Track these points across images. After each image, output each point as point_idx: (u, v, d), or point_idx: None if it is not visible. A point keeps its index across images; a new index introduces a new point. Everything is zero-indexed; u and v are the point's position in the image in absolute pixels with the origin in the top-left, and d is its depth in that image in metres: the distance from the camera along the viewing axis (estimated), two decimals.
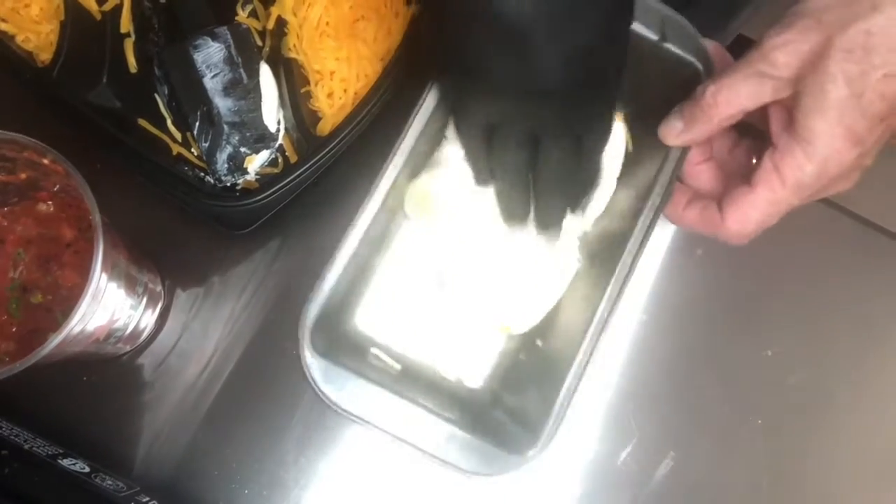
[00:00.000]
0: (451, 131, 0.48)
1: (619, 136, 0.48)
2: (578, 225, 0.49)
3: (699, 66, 0.45)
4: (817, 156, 0.38)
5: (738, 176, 0.43)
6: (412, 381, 0.47)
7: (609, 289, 0.43)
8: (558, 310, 0.48)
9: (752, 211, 0.40)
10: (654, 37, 0.44)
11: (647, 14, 0.44)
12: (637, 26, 0.44)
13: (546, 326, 0.48)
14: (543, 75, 0.38)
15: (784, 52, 0.37)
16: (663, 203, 0.44)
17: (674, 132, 0.43)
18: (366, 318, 0.49)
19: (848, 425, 0.53)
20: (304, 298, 0.43)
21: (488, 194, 0.46)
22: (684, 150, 0.44)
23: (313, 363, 0.42)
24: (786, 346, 0.54)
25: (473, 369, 0.49)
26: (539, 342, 0.49)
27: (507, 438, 0.43)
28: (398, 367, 0.48)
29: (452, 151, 0.48)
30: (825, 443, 0.53)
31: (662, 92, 0.45)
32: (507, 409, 0.47)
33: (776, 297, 0.54)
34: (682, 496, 0.52)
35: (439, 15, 0.40)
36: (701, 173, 0.45)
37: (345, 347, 0.46)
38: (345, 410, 0.42)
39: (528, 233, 0.47)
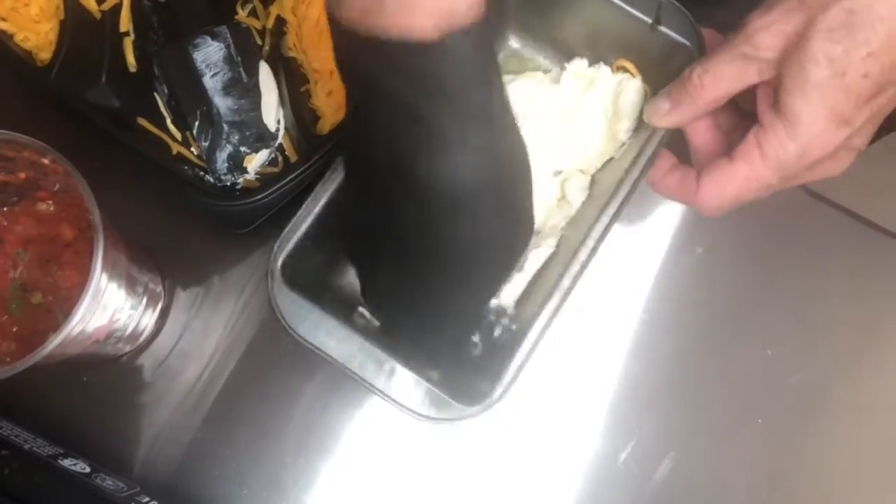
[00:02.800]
0: None
1: (635, 88, 0.48)
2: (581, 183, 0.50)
3: (693, 49, 0.45)
4: (800, 136, 0.37)
5: None
6: (392, 341, 0.48)
7: (578, 255, 0.44)
8: (535, 282, 0.49)
9: (729, 183, 0.41)
10: (647, 20, 0.46)
11: (643, 0, 0.46)
12: (632, 10, 0.46)
13: (523, 299, 0.49)
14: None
15: (767, 34, 0.37)
16: (642, 176, 0.45)
17: (659, 113, 0.43)
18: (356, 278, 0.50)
19: (848, 425, 0.53)
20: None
21: None
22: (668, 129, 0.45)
23: (281, 293, 0.43)
24: (786, 346, 0.54)
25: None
26: (515, 313, 0.49)
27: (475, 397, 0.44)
28: (377, 323, 0.49)
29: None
30: (825, 442, 0.53)
31: (656, 75, 0.46)
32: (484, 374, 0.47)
33: (776, 297, 0.54)
34: (682, 496, 0.52)
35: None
36: (708, 142, 0.45)
37: (332, 301, 0.47)
38: (300, 336, 0.43)
39: None
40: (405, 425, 0.51)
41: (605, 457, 0.52)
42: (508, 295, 0.49)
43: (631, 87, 0.48)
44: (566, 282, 0.44)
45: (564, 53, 0.51)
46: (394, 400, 0.43)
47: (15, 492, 0.43)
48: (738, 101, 0.43)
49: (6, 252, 0.46)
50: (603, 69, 0.49)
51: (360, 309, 0.49)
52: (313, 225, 0.45)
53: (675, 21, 0.46)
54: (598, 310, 0.53)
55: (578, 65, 0.50)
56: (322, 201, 0.45)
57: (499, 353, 0.46)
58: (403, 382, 0.43)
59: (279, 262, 0.44)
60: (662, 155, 0.46)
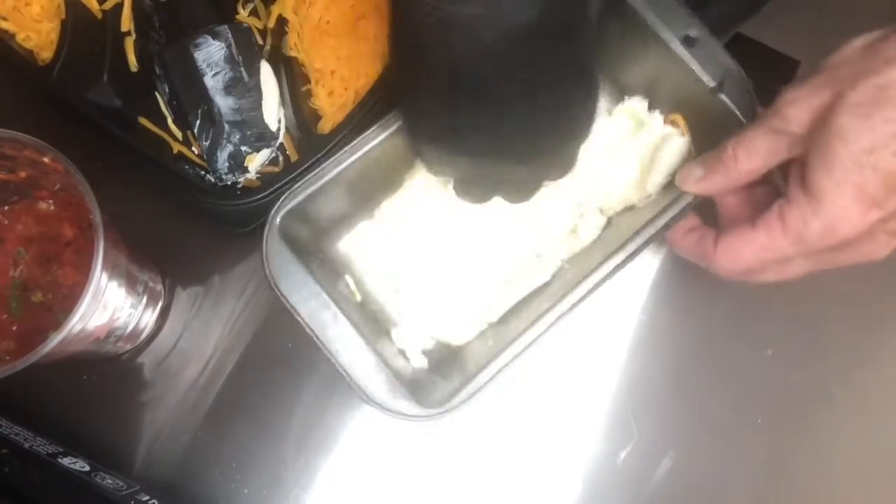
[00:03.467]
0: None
1: (679, 146, 0.48)
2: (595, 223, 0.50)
3: (746, 122, 0.45)
4: (824, 213, 0.36)
5: None
6: (370, 319, 0.48)
7: (573, 292, 0.44)
8: (521, 305, 0.49)
9: (746, 249, 0.40)
10: (711, 84, 0.45)
11: (712, 63, 0.45)
12: (699, 71, 0.45)
13: (507, 317, 0.49)
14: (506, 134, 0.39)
15: (795, 108, 0.37)
16: (656, 236, 0.45)
17: (691, 179, 0.43)
18: (351, 245, 0.50)
19: (848, 425, 0.53)
20: None
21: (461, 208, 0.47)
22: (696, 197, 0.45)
23: (273, 243, 0.43)
24: (786, 346, 0.54)
25: (420, 350, 0.48)
26: (496, 329, 0.49)
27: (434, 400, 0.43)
28: (359, 298, 0.49)
29: None
30: (825, 442, 0.53)
31: (706, 139, 0.46)
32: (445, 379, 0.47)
33: (776, 297, 0.54)
34: (682, 496, 0.52)
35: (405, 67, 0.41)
36: (740, 216, 0.44)
37: (320, 267, 0.47)
38: (280, 292, 0.43)
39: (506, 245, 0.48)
40: (404, 425, 0.51)
41: (605, 457, 0.52)
42: (494, 309, 0.49)
43: (676, 143, 0.47)
44: (551, 317, 0.44)
45: (619, 94, 0.51)
46: (353, 380, 0.42)
47: (14, 490, 0.43)
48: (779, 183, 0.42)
49: (7, 251, 0.47)
50: (656, 116, 0.49)
51: (347, 277, 0.49)
52: (323, 187, 0.45)
53: (737, 91, 0.45)
54: (597, 310, 0.53)
55: (637, 104, 0.49)
56: (338, 168, 0.44)
57: (470, 364, 0.46)
58: (368, 364, 0.43)
59: (280, 214, 0.44)
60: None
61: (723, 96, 0.45)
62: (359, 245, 0.50)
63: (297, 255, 0.44)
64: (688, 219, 0.45)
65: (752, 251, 0.40)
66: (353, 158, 0.45)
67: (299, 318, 0.43)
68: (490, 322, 0.49)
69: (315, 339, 0.43)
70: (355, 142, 0.45)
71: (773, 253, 0.39)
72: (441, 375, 0.46)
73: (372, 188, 0.49)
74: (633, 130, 0.49)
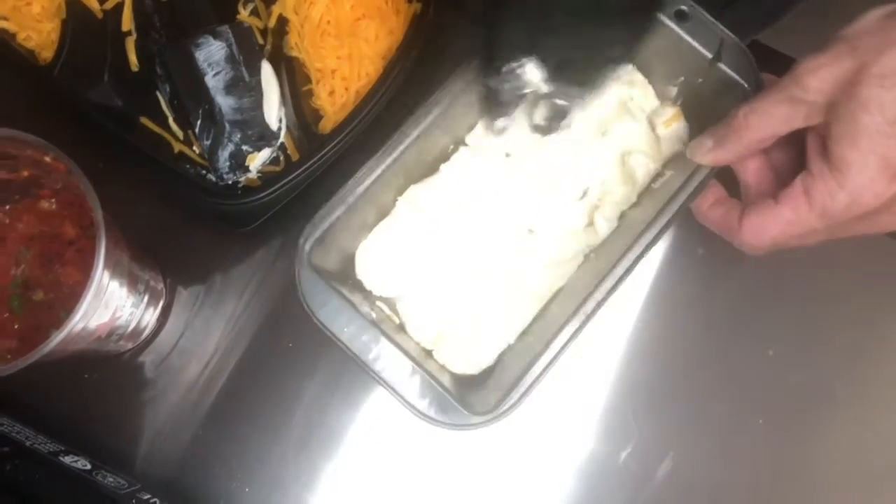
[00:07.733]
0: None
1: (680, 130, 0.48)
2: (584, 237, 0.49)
3: (751, 90, 0.45)
4: (850, 185, 0.37)
5: None
6: (412, 340, 0.47)
7: (602, 284, 0.44)
8: (554, 301, 0.48)
9: (770, 225, 0.40)
10: (708, 55, 0.45)
11: (706, 33, 0.45)
12: (694, 43, 0.46)
13: (541, 315, 0.48)
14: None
15: (816, 77, 0.37)
16: (674, 219, 0.45)
17: (702, 149, 0.43)
18: (384, 276, 0.49)
19: (849, 425, 0.53)
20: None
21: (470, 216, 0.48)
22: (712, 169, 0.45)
23: (305, 275, 0.44)
24: (786, 346, 0.54)
25: (465, 364, 0.48)
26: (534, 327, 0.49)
27: (482, 407, 0.43)
28: (398, 321, 0.48)
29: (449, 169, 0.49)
30: (826, 442, 0.53)
31: (714, 111, 0.46)
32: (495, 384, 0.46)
33: (777, 297, 0.54)
34: (682, 496, 0.52)
35: None
36: (760, 181, 0.44)
37: (353, 291, 0.47)
38: (320, 321, 0.43)
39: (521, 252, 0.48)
40: (405, 424, 0.51)
41: (605, 457, 0.52)
42: (525, 312, 0.48)
43: (677, 128, 0.48)
44: (589, 306, 0.44)
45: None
46: (402, 397, 0.43)
47: (16, 488, 0.43)
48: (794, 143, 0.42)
49: (8, 250, 0.47)
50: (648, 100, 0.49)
51: (379, 304, 0.48)
52: (345, 213, 0.44)
53: (735, 59, 0.45)
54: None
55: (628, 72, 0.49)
56: (357, 190, 0.44)
57: (512, 365, 0.46)
58: (414, 382, 0.43)
59: (308, 245, 0.44)
60: (711, 186, 0.45)
61: (722, 65, 0.45)
62: (395, 273, 0.49)
63: (330, 282, 0.44)
64: (713, 189, 0.45)
65: (778, 227, 0.40)
66: (375, 175, 0.45)
67: (341, 345, 0.43)
68: (524, 323, 0.48)
69: (357, 361, 0.43)
70: (371, 160, 0.45)
71: (797, 227, 0.39)
72: (487, 383, 0.46)
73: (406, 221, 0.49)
74: (621, 104, 0.49)
